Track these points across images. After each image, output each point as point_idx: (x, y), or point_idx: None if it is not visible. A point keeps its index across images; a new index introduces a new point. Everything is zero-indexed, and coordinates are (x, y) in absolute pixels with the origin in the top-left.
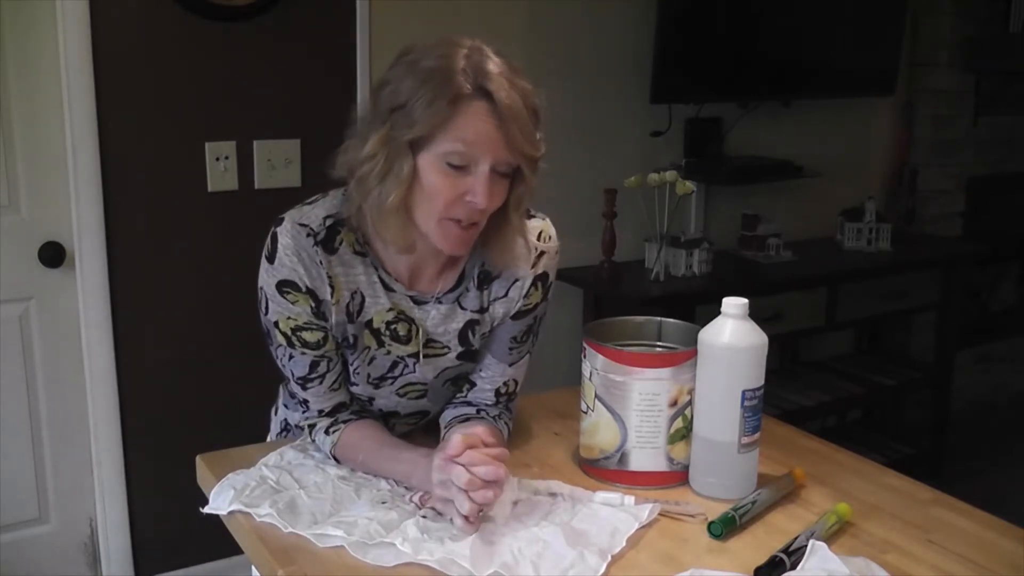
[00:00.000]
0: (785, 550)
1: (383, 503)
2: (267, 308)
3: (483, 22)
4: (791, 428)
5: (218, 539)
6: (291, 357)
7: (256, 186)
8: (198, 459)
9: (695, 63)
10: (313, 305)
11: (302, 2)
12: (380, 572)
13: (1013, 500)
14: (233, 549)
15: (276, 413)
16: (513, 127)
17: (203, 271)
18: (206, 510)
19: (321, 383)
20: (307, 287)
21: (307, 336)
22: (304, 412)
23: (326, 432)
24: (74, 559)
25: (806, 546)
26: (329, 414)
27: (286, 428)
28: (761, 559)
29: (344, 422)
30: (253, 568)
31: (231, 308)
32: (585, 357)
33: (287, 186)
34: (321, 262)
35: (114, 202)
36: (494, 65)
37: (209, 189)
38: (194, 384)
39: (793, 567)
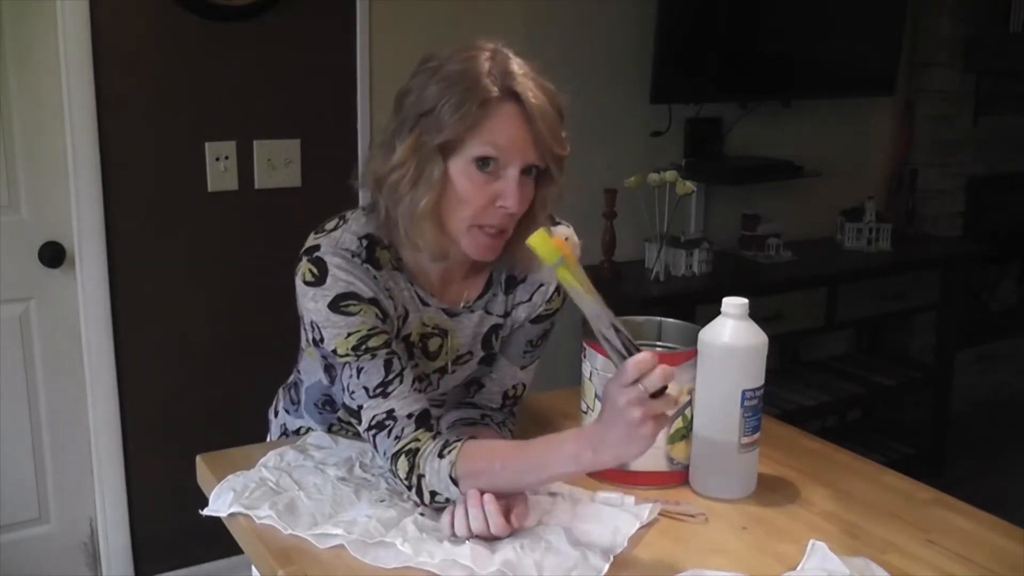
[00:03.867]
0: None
1: (382, 501)
2: (322, 337)
3: (483, 22)
4: (791, 428)
5: (218, 539)
6: (360, 371)
7: (256, 186)
8: (198, 459)
9: (695, 63)
10: (378, 312)
11: (302, 2)
12: (380, 573)
13: (1013, 500)
14: (233, 549)
15: (276, 416)
16: (541, 127)
17: (203, 271)
18: (206, 512)
19: (401, 382)
20: (370, 297)
21: (373, 342)
22: (388, 433)
23: (439, 455)
24: (74, 559)
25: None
26: (422, 421)
27: (284, 433)
28: (761, 560)
29: (454, 443)
30: (253, 568)
31: (231, 308)
32: (585, 357)
33: (287, 186)
34: (376, 277)
35: (114, 202)
36: (518, 66)
37: (209, 189)
38: (194, 384)
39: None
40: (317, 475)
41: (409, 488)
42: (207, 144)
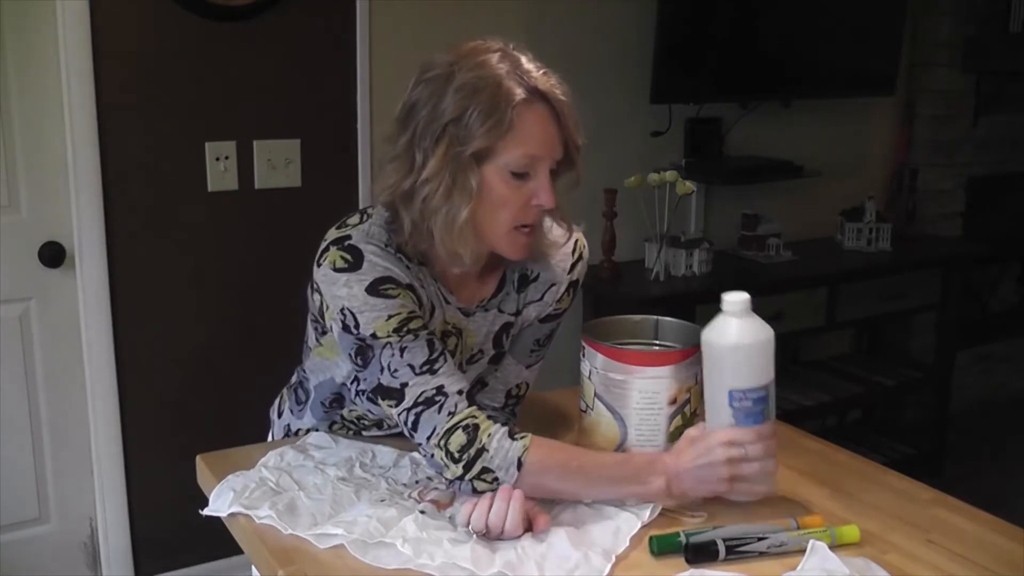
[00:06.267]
0: (730, 538)
1: (382, 501)
2: (357, 324)
3: (482, 22)
4: (791, 428)
5: (218, 539)
6: (404, 350)
7: (256, 186)
8: (198, 459)
9: (695, 63)
10: (415, 299)
11: (302, 2)
12: (380, 573)
13: (1013, 500)
14: (233, 549)
15: (279, 417)
16: (569, 122)
17: (203, 271)
18: (205, 512)
19: (446, 360)
20: (407, 283)
21: (414, 324)
22: (440, 409)
23: (511, 437)
24: (74, 559)
25: (754, 539)
26: (472, 399)
27: (287, 435)
28: (761, 560)
29: (522, 432)
30: (253, 568)
31: (231, 308)
32: (584, 356)
33: (287, 186)
34: (408, 267)
35: (114, 202)
36: (530, 63)
37: (209, 189)
38: (194, 384)
39: (730, 552)
40: (317, 475)
41: (456, 462)
42: (207, 144)
